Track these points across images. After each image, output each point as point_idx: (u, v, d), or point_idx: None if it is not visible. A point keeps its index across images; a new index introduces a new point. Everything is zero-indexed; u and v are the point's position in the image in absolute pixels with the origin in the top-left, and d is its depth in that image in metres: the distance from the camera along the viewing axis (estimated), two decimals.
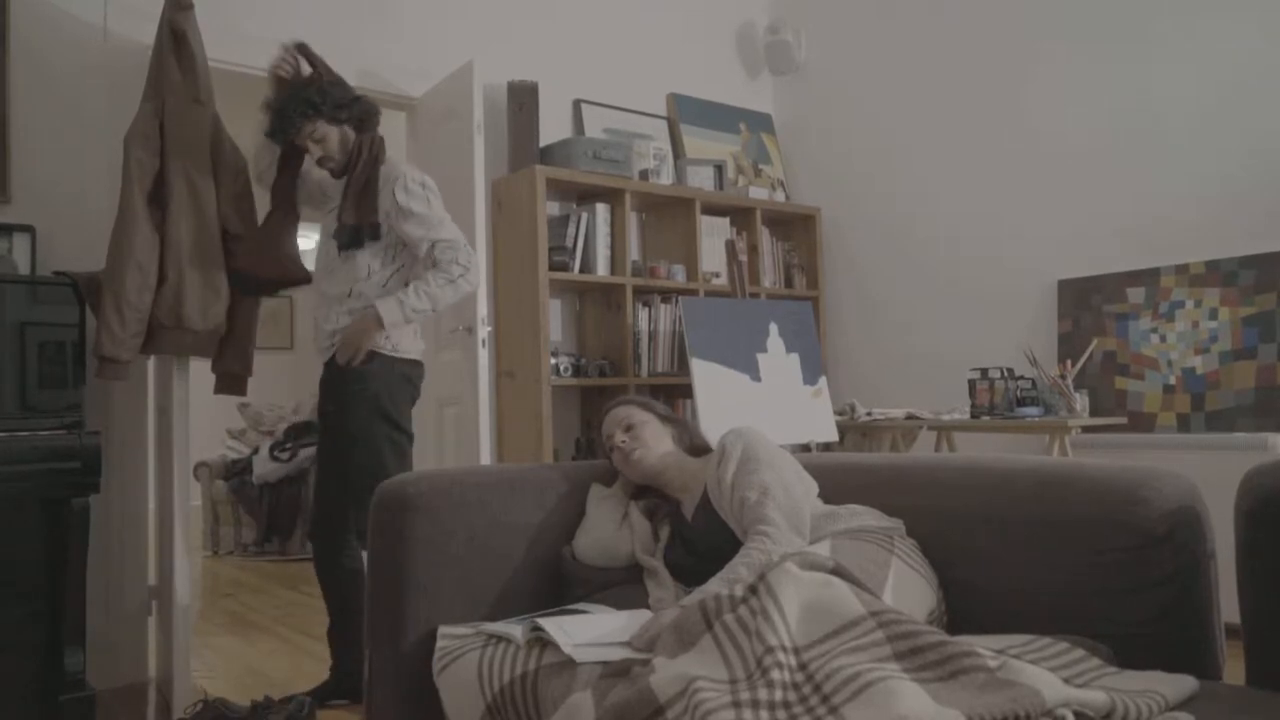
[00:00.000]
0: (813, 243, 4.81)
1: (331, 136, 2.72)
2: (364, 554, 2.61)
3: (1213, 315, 3.48)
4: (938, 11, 4.43)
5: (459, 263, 2.61)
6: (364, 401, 2.65)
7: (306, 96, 2.68)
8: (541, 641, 1.55)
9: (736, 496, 1.77)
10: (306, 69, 2.81)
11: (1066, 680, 1.23)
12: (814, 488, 1.88)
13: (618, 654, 1.48)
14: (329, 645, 2.89)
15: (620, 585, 1.84)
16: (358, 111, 2.75)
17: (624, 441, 1.98)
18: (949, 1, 4.38)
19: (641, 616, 1.64)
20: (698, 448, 2.03)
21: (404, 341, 2.73)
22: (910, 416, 3.81)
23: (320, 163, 2.77)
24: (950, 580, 1.67)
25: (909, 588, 1.59)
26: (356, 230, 2.67)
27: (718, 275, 4.34)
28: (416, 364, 2.79)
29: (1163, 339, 3.60)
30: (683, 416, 2.06)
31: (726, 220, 4.52)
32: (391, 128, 4.76)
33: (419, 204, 2.65)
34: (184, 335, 2.77)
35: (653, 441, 1.98)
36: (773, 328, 3.88)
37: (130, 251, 2.69)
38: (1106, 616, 1.47)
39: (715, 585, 1.61)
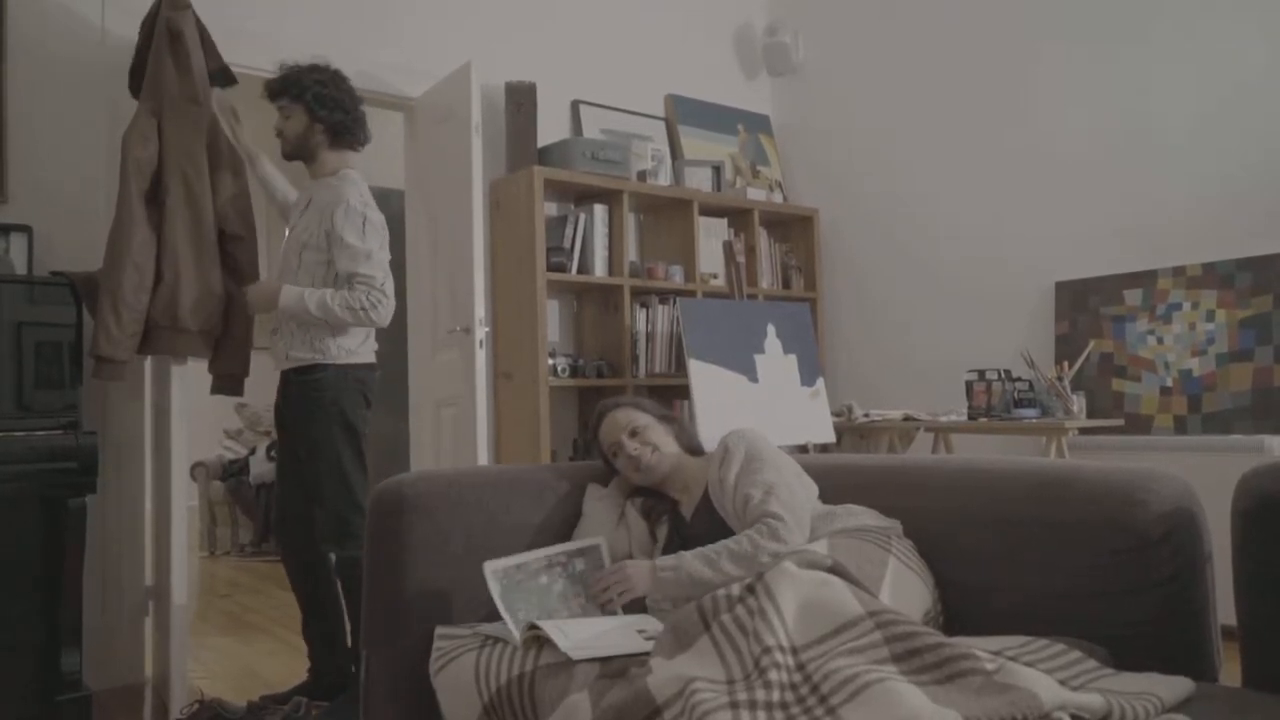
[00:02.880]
0: (810, 244, 4.81)
1: (296, 121, 2.78)
2: (331, 556, 2.71)
3: (1210, 317, 3.48)
4: (936, 12, 4.43)
5: (366, 302, 2.63)
6: (323, 409, 2.70)
7: (300, 79, 2.76)
8: (539, 642, 1.55)
9: (740, 495, 1.78)
10: None
11: (1063, 682, 1.23)
12: (814, 491, 1.88)
13: (617, 648, 1.49)
14: (305, 643, 2.93)
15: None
16: (337, 121, 2.77)
17: (636, 449, 1.95)
18: (948, 2, 4.39)
19: (641, 618, 1.64)
20: (694, 447, 2.03)
21: (354, 344, 2.74)
22: (908, 418, 3.82)
23: (277, 134, 2.84)
24: (947, 581, 1.67)
25: (906, 587, 1.59)
26: None
27: (715, 276, 4.34)
28: (369, 367, 2.81)
29: (1160, 341, 3.60)
30: (678, 414, 2.04)
31: (724, 221, 4.52)
32: (390, 128, 4.77)
33: (353, 235, 2.66)
34: (180, 335, 2.76)
35: (663, 445, 1.96)
36: (770, 329, 3.88)
37: (127, 251, 2.68)
38: (1103, 618, 1.47)
39: (692, 560, 1.67)
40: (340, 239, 2.66)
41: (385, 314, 2.68)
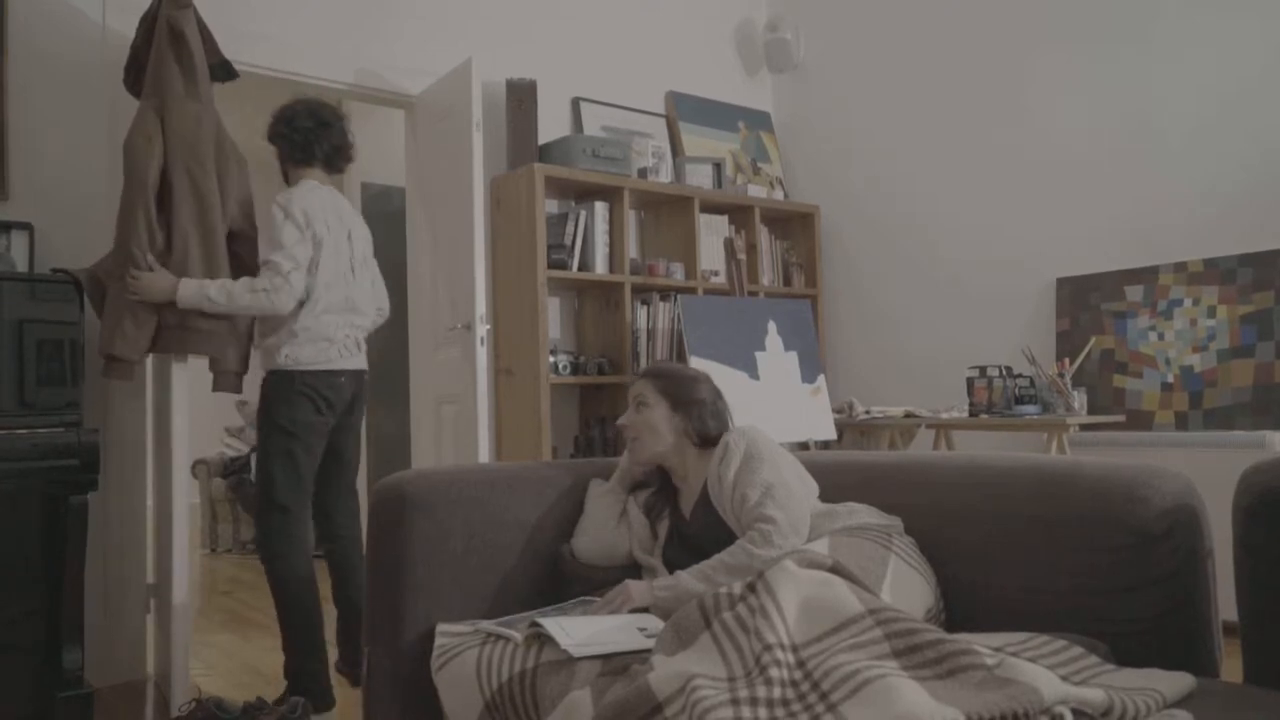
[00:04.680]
0: (811, 241, 4.81)
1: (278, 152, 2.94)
2: (272, 562, 2.74)
3: (1211, 313, 3.48)
4: (937, 10, 4.43)
5: (268, 285, 2.68)
6: (263, 416, 2.77)
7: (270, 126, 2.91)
8: (540, 639, 1.55)
9: (738, 494, 1.77)
10: None
11: (1064, 678, 1.23)
12: (815, 489, 1.87)
13: (619, 646, 1.49)
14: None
15: (619, 584, 1.84)
16: (282, 149, 2.89)
17: (625, 425, 1.97)
18: (948, 0, 4.38)
19: (641, 615, 1.64)
20: (708, 438, 1.95)
21: (303, 354, 2.73)
22: (909, 415, 3.82)
23: None
24: (948, 578, 1.67)
25: (907, 585, 1.59)
26: None
27: (716, 274, 4.34)
28: (324, 374, 2.77)
29: (1161, 337, 3.60)
30: (703, 399, 1.99)
31: (725, 218, 4.52)
32: (390, 126, 4.77)
33: (275, 227, 2.73)
34: (189, 334, 2.76)
35: (649, 436, 1.94)
36: (771, 326, 3.88)
37: (140, 251, 2.69)
38: (1104, 614, 1.47)
39: (688, 579, 1.66)
40: (265, 229, 2.79)
41: (284, 300, 2.69)
